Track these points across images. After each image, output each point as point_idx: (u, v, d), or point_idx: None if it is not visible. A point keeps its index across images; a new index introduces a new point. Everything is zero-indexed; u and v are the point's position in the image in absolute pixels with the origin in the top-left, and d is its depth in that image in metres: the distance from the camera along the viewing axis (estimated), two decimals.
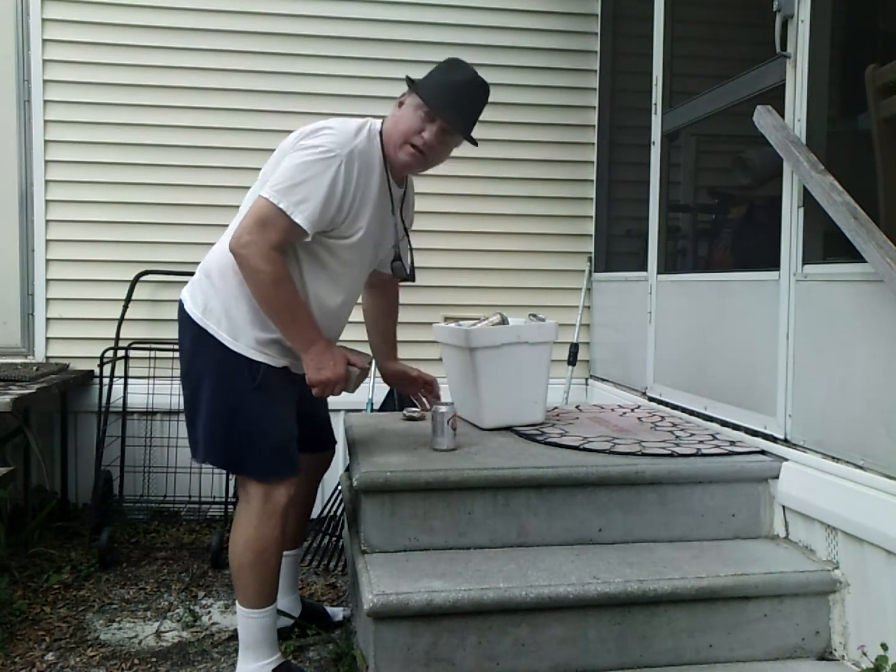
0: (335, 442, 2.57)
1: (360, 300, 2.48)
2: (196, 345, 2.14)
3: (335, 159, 2.02)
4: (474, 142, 2.20)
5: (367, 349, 2.49)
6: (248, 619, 2.12)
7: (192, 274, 3.37)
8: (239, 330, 2.10)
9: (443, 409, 2.45)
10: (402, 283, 2.53)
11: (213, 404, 2.12)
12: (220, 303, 2.12)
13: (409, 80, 2.18)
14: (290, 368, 2.16)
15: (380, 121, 2.22)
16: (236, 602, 2.16)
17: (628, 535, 2.30)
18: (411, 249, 2.43)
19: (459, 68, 2.20)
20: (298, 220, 1.99)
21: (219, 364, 2.11)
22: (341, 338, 2.37)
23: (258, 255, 1.99)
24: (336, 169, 2.02)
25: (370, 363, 2.37)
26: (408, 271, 2.40)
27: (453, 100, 2.12)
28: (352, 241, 2.13)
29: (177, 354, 3.40)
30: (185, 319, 2.16)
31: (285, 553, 2.37)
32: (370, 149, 2.13)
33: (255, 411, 2.10)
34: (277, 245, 2.01)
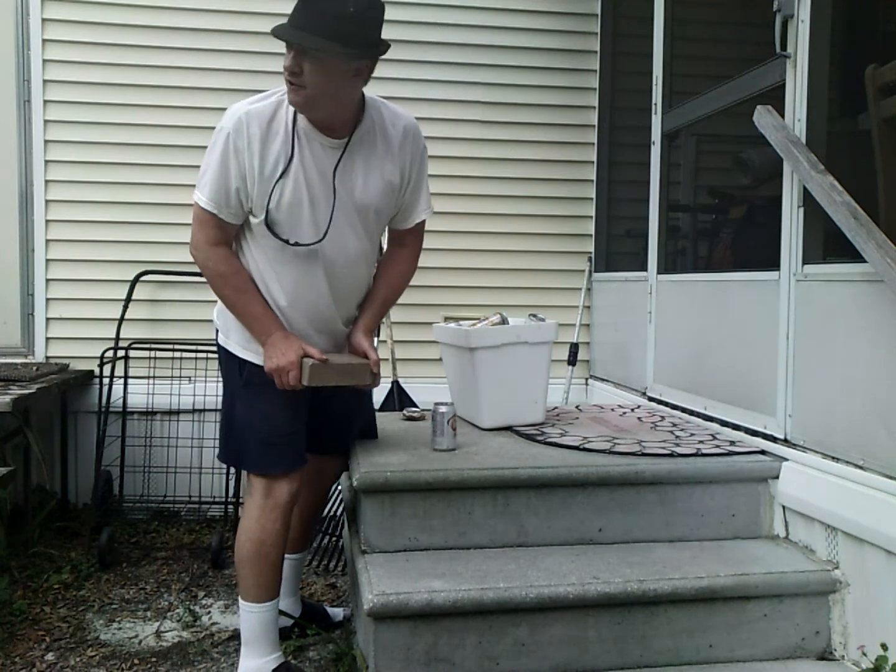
0: (341, 452, 2.49)
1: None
2: (218, 348, 2.25)
3: (221, 134, 2.00)
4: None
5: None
6: (248, 613, 2.14)
7: (192, 274, 3.42)
8: (230, 330, 2.17)
9: (443, 409, 2.45)
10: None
11: (222, 403, 2.23)
12: (220, 306, 2.19)
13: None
14: None
15: None
16: (238, 597, 2.18)
17: (628, 535, 2.30)
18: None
19: None
20: (204, 206, 2.02)
21: (224, 363, 2.21)
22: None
23: (202, 254, 2.08)
24: (224, 144, 1.99)
25: (371, 368, 2.18)
26: (319, 238, 2.07)
27: (290, 17, 1.92)
28: (272, 209, 2.01)
29: (177, 354, 3.49)
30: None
31: (289, 556, 2.37)
32: (275, 112, 2.01)
33: (246, 408, 2.15)
34: (214, 240, 2.06)
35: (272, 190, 2.01)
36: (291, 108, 2.02)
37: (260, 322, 2.09)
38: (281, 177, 2.01)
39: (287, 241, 2.06)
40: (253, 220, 2.07)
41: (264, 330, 2.08)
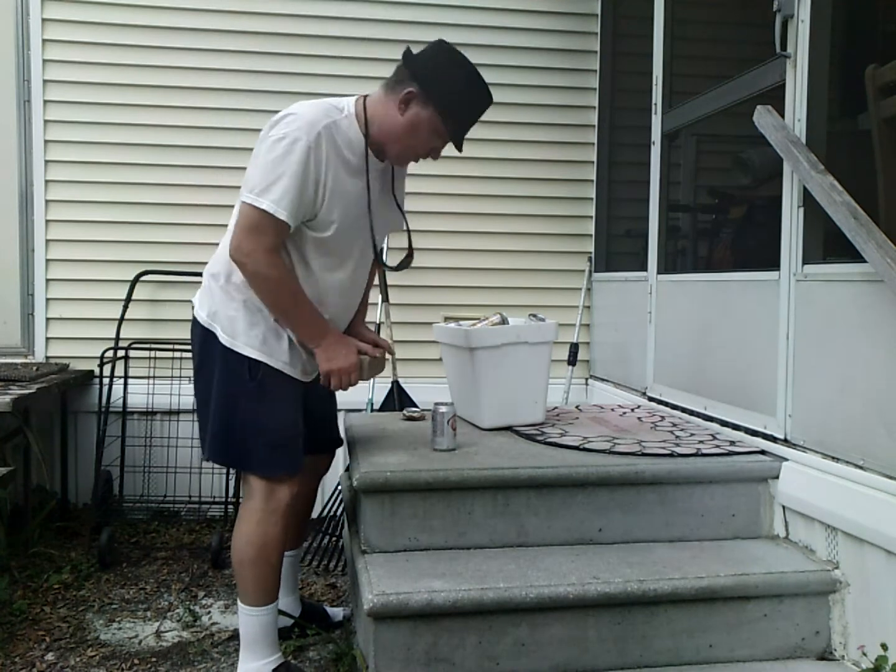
0: (332, 447, 2.53)
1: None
2: (204, 347, 2.17)
3: (300, 144, 1.97)
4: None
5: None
6: (248, 616, 2.13)
7: (192, 274, 3.42)
8: (239, 330, 2.12)
9: (443, 409, 2.45)
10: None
11: (217, 402, 2.15)
12: (222, 304, 2.14)
13: (424, 83, 2.06)
14: (284, 371, 2.15)
15: (355, 99, 2.14)
16: (238, 600, 2.16)
17: (628, 535, 2.30)
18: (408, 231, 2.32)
19: (481, 92, 2.13)
20: (283, 217, 1.99)
21: (223, 363, 2.13)
22: None
23: (258, 261, 2.02)
24: (303, 155, 1.98)
25: (385, 356, 2.36)
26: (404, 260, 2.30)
27: (471, 124, 2.16)
28: (337, 225, 2.08)
29: (177, 354, 3.49)
30: (194, 323, 2.19)
31: (285, 553, 2.37)
32: (344, 130, 2.07)
33: (254, 409, 2.12)
34: (272, 247, 2.03)
35: (371, 219, 2.13)
36: (359, 130, 2.10)
37: (315, 325, 2.14)
38: (369, 204, 2.12)
39: (391, 268, 2.28)
40: (312, 234, 2.09)
41: (319, 332, 2.14)
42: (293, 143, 1.98)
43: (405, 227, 2.32)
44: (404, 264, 2.29)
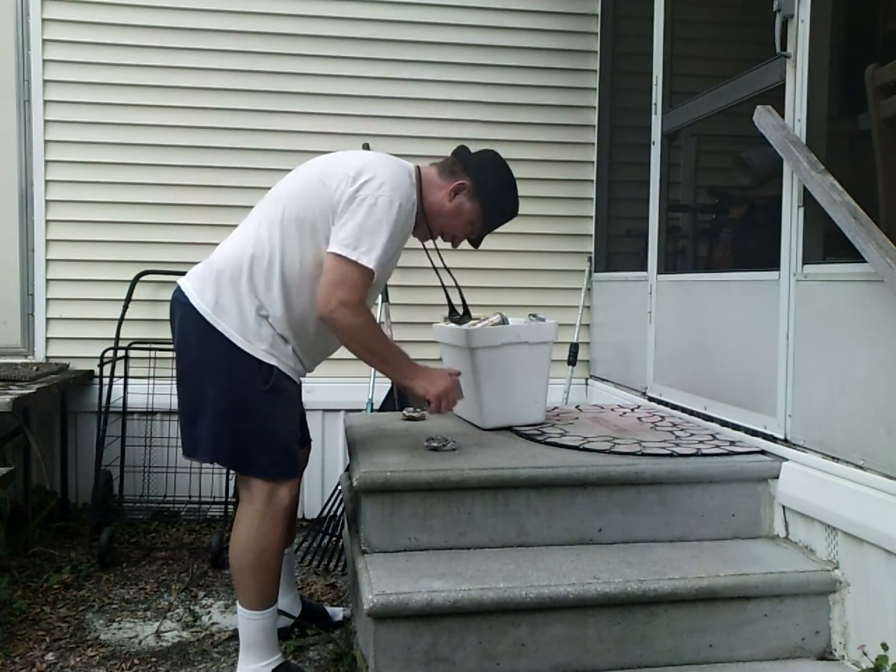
0: (309, 440, 2.52)
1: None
2: (203, 341, 2.09)
3: (401, 210, 2.12)
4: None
5: None
6: (248, 620, 2.12)
7: None
8: (251, 332, 2.08)
9: None
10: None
11: (223, 403, 2.08)
12: (233, 302, 2.08)
13: (477, 181, 2.30)
14: (290, 376, 2.16)
15: (414, 168, 2.30)
16: (237, 603, 2.16)
17: (628, 535, 2.30)
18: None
19: (515, 206, 2.43)
20: (378, 272, 2.11)
21: (230, 363, 2.07)
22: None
23: (359, 314, 2.11)
24: (404, 220, 2.15)
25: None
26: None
27: (496, 227, 2.45)
28: (378, 276, 2.16)
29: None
30: (190, 314, 2.09)
31: None
32: (413, 195, 2.23)
33: (266, 412, 2.10)
34: (363, 298, 2.13)
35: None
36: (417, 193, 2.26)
37: (405, 361, 2.25)
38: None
39: (455, 320, 2.54)
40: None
41: (409, 368, 2.26)
42: (391, 204, 2.10)
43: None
44: (465, 321, 2.55)
